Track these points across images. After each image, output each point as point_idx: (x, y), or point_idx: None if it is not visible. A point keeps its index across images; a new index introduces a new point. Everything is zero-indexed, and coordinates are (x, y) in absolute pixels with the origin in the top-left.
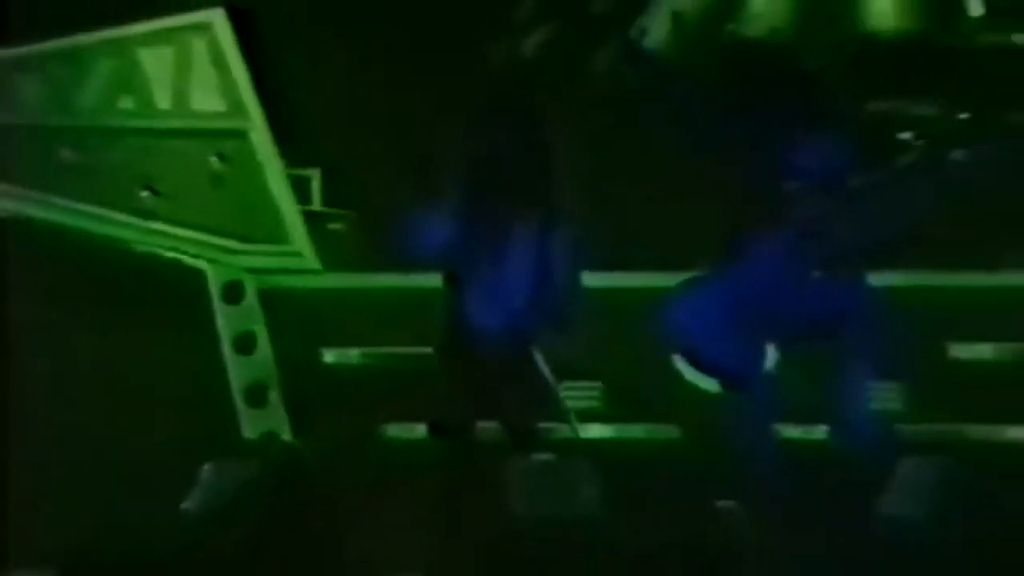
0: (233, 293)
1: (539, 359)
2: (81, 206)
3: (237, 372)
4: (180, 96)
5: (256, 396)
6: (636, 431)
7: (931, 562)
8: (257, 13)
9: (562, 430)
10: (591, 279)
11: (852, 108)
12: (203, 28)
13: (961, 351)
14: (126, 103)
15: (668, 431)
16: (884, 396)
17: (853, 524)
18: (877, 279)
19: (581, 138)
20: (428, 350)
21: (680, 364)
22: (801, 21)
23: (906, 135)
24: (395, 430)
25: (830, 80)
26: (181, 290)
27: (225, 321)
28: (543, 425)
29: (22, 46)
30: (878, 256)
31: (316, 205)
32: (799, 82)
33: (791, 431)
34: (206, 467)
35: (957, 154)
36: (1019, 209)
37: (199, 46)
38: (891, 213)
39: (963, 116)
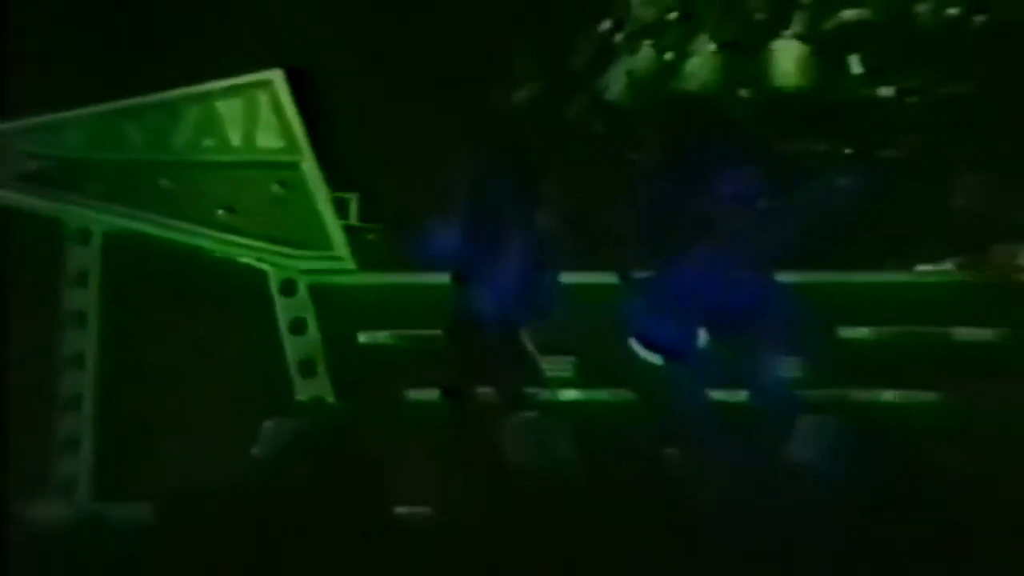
0: (289, 288)
1: (526, 339)
2: (173, 222)
3: (291, 350)
4: (248, 136)
5: (307, 368)
6: (601, 395)
7: (825, 497)
8: (308, 72)
9: (543, 394)
10: (567, 277)
11: (764, 146)
12: (266, 84)
13: (847, 332)
14: (208, 142)
15: (625, 395)
16: (789, 367)
17: (766, 467)
18: (783, 277)
19: (560, 169)
20: (439, 332)
21: (634, 344)
22: (725, 79)
23: (808, 167)
24: (414, 394)
25: (747, 125)
26: (249, 286)
27: (282, 310)
28: (529, 390)
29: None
30: (784, 260)
31: (354, 220)
32: (724, 127)
33: (718, 395)
34: (268, 423)
35: (843, 182)
36: (894, 224)
37: (263, 98)
38: (794, 227)
39: (847, 152)
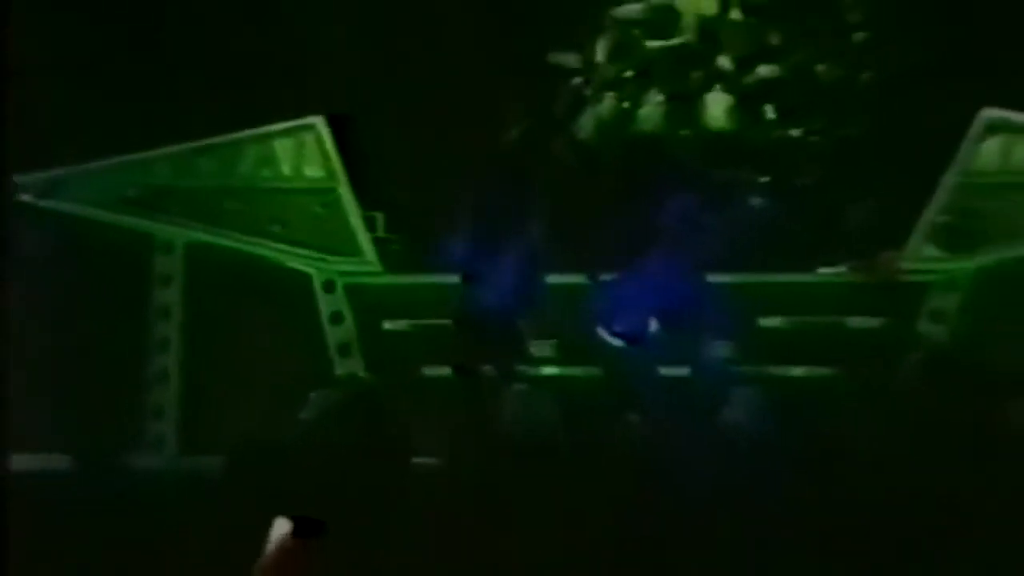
0: (329, 287)
1: (518, 326)
2: (238, 235)
3: (331, 335)
4: (297, 168)
5: (344, 350)
6: (576, 371)
7: (749, 447)
8: (344, 117)
9: (530, 370)
10: (551, 279)
11: (700, 175)
12: (311, 127)
13: (765, 321)
14: (266, 172)
15: (594, 371)
16: (721, 349)
17: (703, 426)
18: (716, 278)
19: (544, 192)
20: (449, 321)
21: (600, 331)
22: (670, 123)
23: (734, 192)
24: (429, 371)
25: (688, 158)
26: (297, 286)
27: (324, 304)
28: (520, 367)
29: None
30: (716, 264)
31: (380, 233)
32: (670, 160)
33: (667, 370)
34: (313, 393)
35: (761, 203)
36: (800, 236)
37: (309, 138)
38: (723, 238)
39: (764, 179)
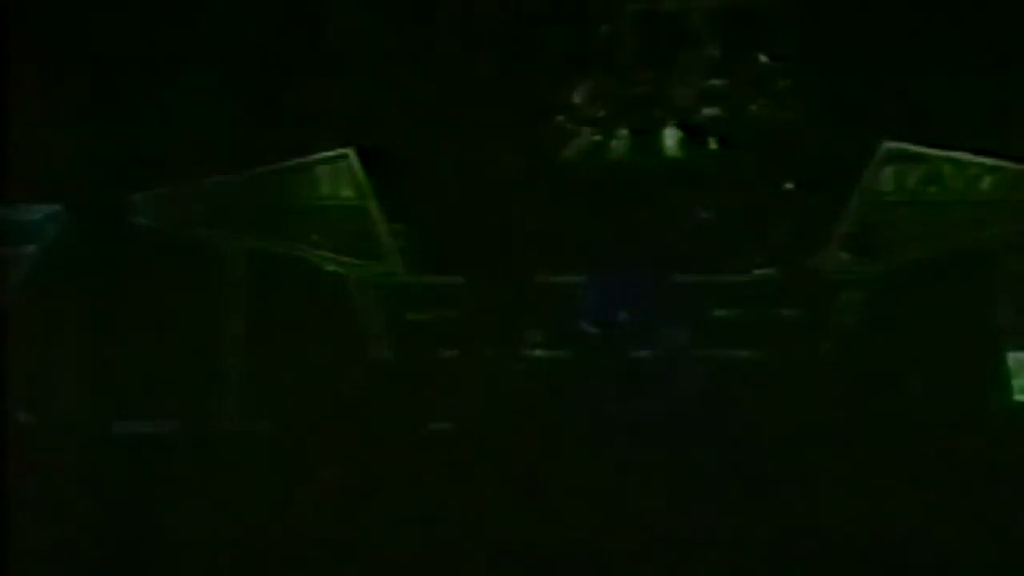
0: (362, 285)
1: (514, 316)
2: (286, 242)
3: (365, 324)
4: (334, 189)
5: (374, 336)
6: (560, 353)
7: (699, 411)
8: (371, 148)
9: (524, 352)
10: (540, 278)
11: (658, 195)
12: (345, 156)
13: (716, 312)
14: (310, 193)
15: (574, 353)
16: (679, 334)
17: (664, 395)
18: (677, 278)
19: (536, 206)
20: (456, 312)
21: (580, 319)
22: (634, 152)
23: (686, 208)
24: (443, 352)
25: (647, 182)
26: (334, 284)
27: (358, 299)
28: (516, 349)
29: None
30: (674, 265)
31: (402, 242)
32: (633, 182)
33: (633, 352)
34: (351, 369)
35: (708, 216)
36: (740, 244)
37: (343, 165)
38: (679, 245)
39: (710, 198)
